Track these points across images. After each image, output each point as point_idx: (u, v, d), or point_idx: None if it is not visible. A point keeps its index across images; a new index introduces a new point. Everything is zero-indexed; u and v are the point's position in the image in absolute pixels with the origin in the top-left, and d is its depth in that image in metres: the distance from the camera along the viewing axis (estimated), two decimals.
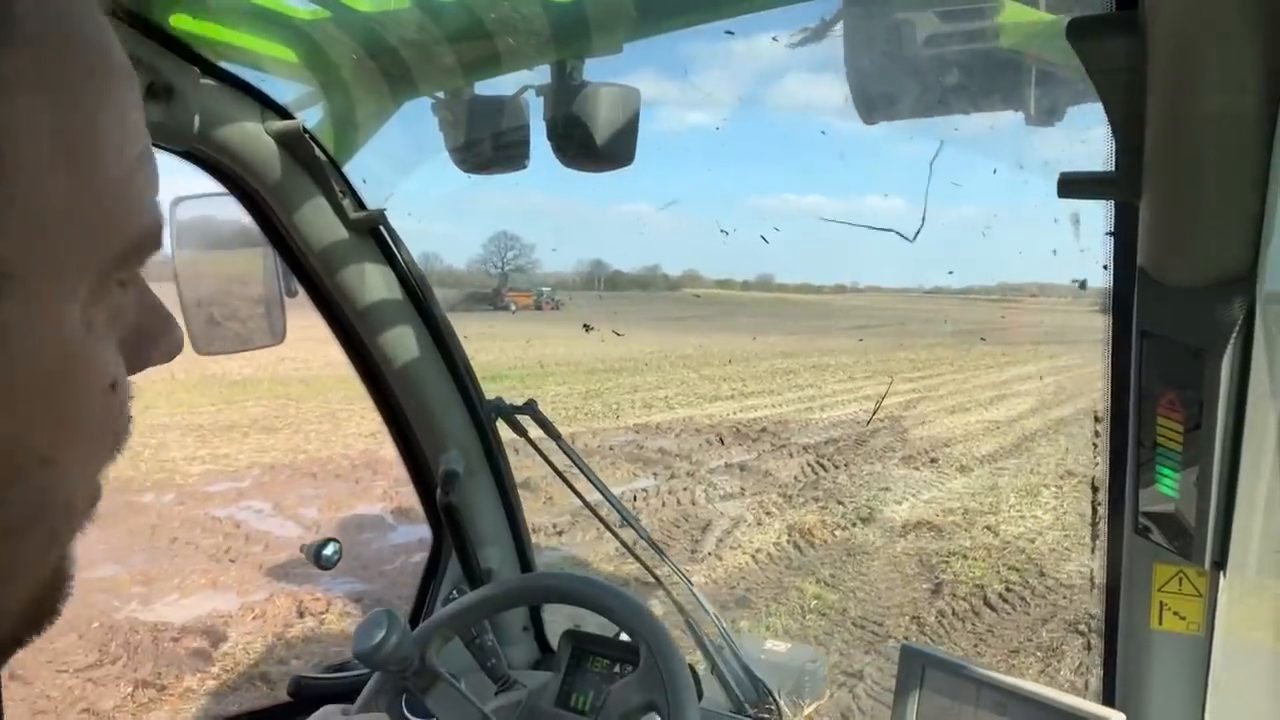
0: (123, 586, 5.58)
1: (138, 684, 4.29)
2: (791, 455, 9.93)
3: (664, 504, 7.78)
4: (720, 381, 16.95)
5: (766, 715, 1.54)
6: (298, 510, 7.37)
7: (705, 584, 5.80)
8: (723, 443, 10.60)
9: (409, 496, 1.72)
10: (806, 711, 1.60)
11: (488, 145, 1.36)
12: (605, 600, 1.15)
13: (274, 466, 8.96)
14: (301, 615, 5.11)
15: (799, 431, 11.50)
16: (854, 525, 7.29)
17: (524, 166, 1.41)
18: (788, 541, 6.85)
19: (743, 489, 8.38)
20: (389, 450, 1.68)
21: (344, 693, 1.58)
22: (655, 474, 8.90)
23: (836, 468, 9.30)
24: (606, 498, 1.68)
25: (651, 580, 1.74)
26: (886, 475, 9.02)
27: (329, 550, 1.60)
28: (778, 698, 1.55)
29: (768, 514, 7.56)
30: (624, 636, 1.22)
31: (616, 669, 1.32)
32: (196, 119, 1.14)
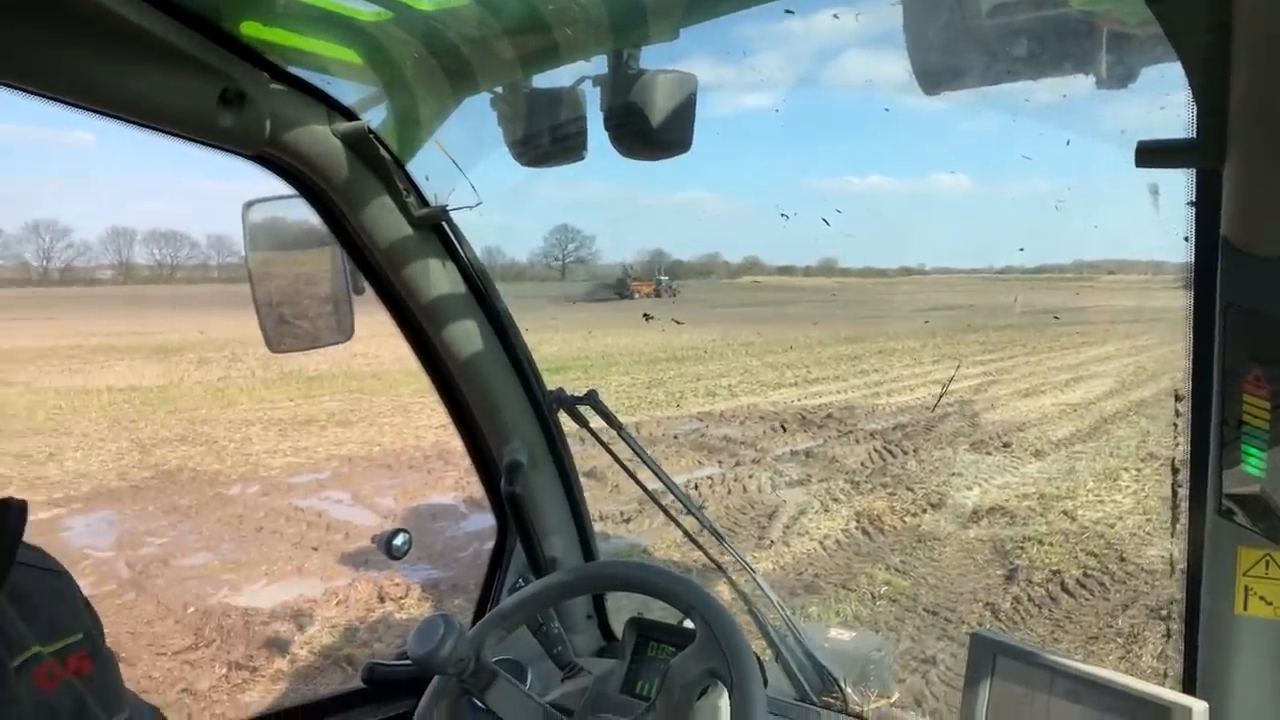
0: (214, 573, 5.85)
1: (231, 665, 4.50)
2: (858, 441, 9.78)
3: (729, 491, 7.76)
4: (784, 368, 16.79)
5: (832, 702, 1.53)
6: (375, 500, 7.60)
7: (773, 570, 5.77)
8: (787, 429, 10.50)
9: (479, 486, 1.76)
10: (875, 702, 1.58)
11: (546, 137, 1.37)
12: (663, 585, 1.15)
13: (351, 458, 9.26)
14: (382, 600, 5.27)
15: (865, 417, 11.31)
16: (924, 511, 7.15)
17: (582, 157, 1.42)
18: (856, 528, 6.76)
19: (809, 475, 8.29)
20: (458, 441, 1.72)
21: (412, 680, 1.63)
22: (720, 461, 8.88)
23: (905, 453, 9.12)
24: (667, 486, 1.69)
25: (714, 567, 1.75)
26: (957, 460, 8.80)
27: (399, 540, 1.65)
28: (843, 686, 1.54)
29: (835, 500, 7.48)
30: (688, 623, 1.23)
31: None
32: (267, 124, 1.18)
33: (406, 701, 1.64)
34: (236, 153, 1.22)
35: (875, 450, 9.29)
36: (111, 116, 1.05)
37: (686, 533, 1.74)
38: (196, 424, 11.48)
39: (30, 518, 0.66)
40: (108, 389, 14.75)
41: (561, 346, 18.59)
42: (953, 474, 8.27)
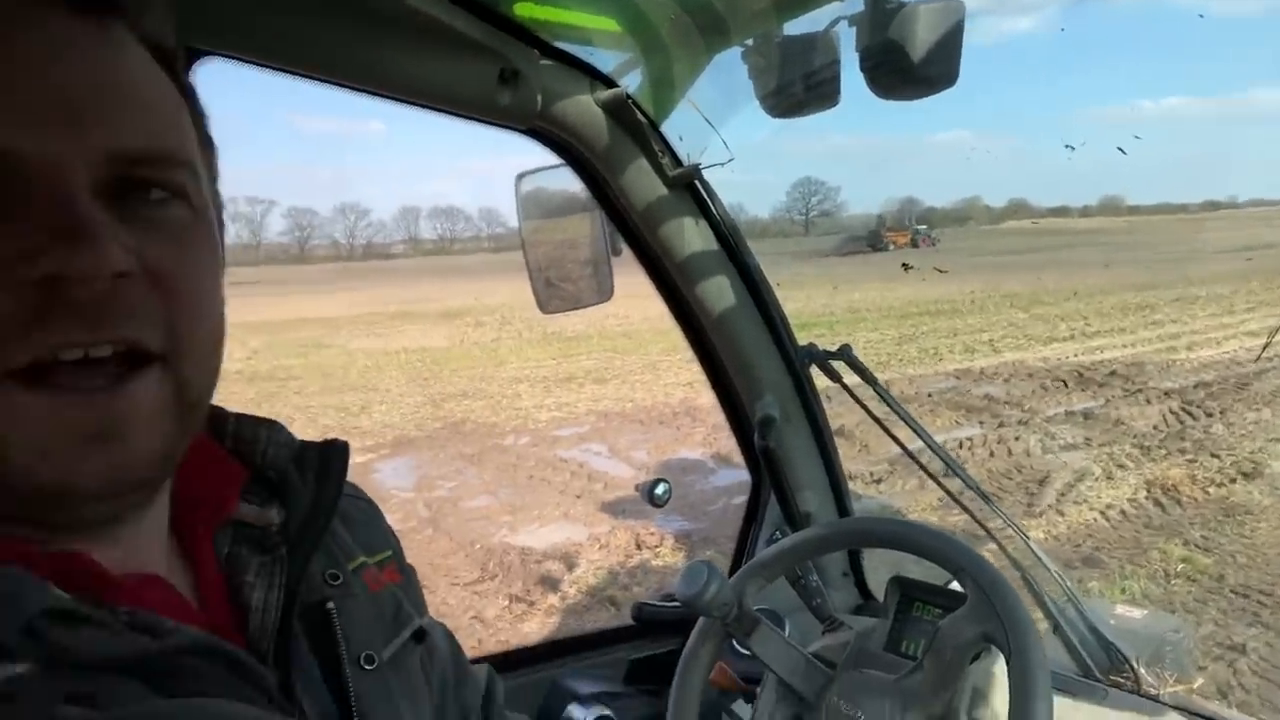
0: (494, 515, 6.54)
1: (512, 598, 5.02)
2: (1149, 402, 8.68)
3: (991, 454, 7.25)
4: (1057, 321, 15.24)
5: (1122, 682, 1.39)
6: (629, 453, 8.03)
7: (1044, 540, 5.33)
8: (1063, 388, 9.55)
9: (727, 442, 1.80)
10: (1172, 686, 1.41)
11: (799, 86, 1.34)
12: (931, 544, 1.10)
13: (607, 414, 9.85)
14: (639, 548, 5.60)
15: (1158, 374, 9.99)
16: (1233, 481, 6.21)
17: (836, 103, 1.37)
18: (1146, 498, 6.03)
19: (1088, 439, 7.51)
20: (705, 398, 1.77)
21: (678, 621, 1.72)
22: (981, 422, 8.30)
23: (1209, 415, 7.96)
24: (929, 445, 1.61)
25: (981, 533, 1.65)
26: (1278, 423, 7.52)
27: (660, 490, 1.73)
28: (1135, 666, 1.39)
29: (1120, 467, 6.72)
30: (955, 586, 1.17)
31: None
32: (539, 98, 1.26)
33: (672, 640, 1.73)
34: (511, 128, 1.32)
35: (1170, 411, 8.20)
36: (406, 102, 1.18)
37: (950, 494, 1.65)
38: (475, 381, 12.78)
39: (350, 460, 0.78)
40: (403, 350, 16.87)
41: (805, 303, 18.28)
42: (1272, 439, 7.08)
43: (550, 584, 5.18)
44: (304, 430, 0.72)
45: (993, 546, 1.64)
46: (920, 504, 5.96)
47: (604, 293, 1.59)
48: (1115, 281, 20.94)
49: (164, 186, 0.53)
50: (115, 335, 0.48)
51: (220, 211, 0.63)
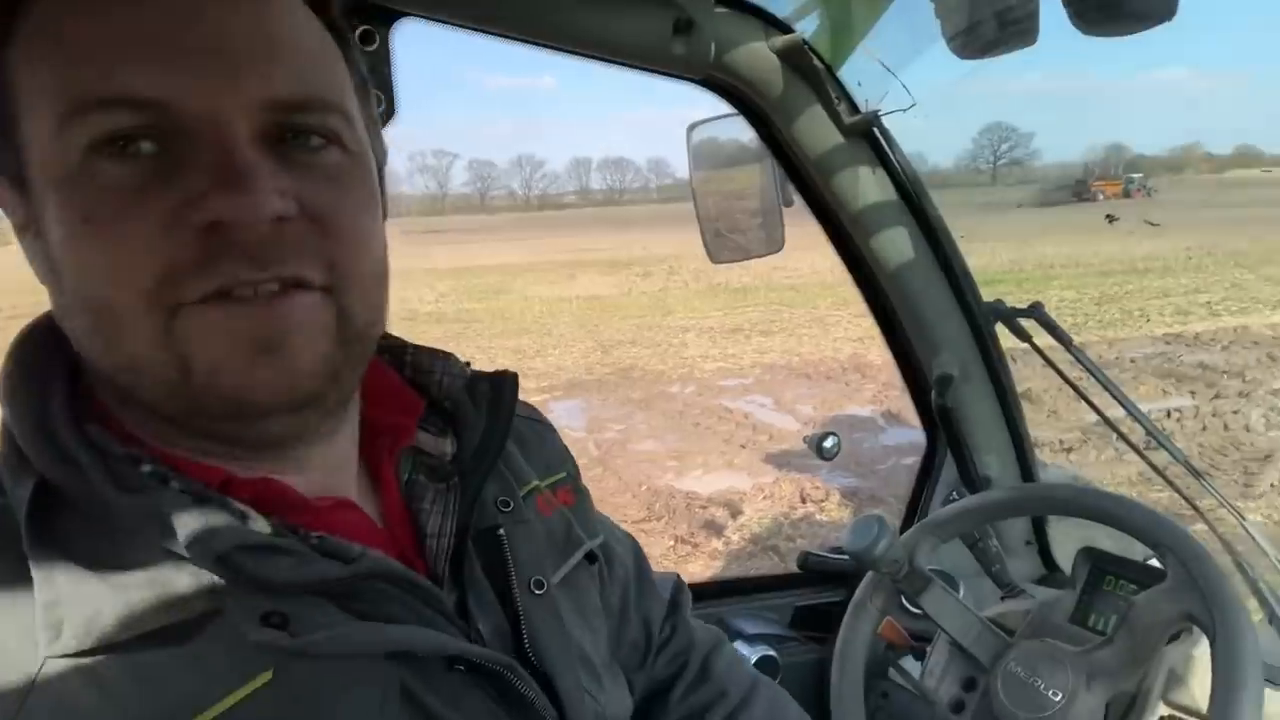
0: (660, 459, 6.70)
1: (677, 539, 5.16)
2: None
3: (1204, 427, 6.53)
4: None
5: None
6: (795, 406, 7.94)
7: (1264, 524, 4.78)
8: None
9: (897, 401, 1.74)
10: None
11: (992, 24, 1.24)
12: (1130, 516, 1.02)
13: (772, 366, 9.75)
14: (803, 501, 5.56)
15: None
16: None
17: (1033, 41, 1.26)
18: None
19: None
20: (875, 355, 1.71)
21: (844, 572, 1.71)
22: (1193, 392, 7.48)
23: None
24: (1131, 413, 1.47)
25: (1189, 512, 1.50)
26: None
27: (829, 443, 1.70)
28: None
29: None
30: (1154, 563, 1.08)
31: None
32: (712, 47, 1.25)
33: (837, 591, 1.73)
34: (685, 78, 1.32)
35: None
36: (583, 55, 1.20)
37: (1154, 468, 1.51)
38: (643, 329, 13.03)
39: (525, 400, 0.81)
40: (575, 298, 17.44)
41: (990, 258, 17.07)
42: None
43: (715, 529, 5.27)
44: (485, 369, 0.76)
45: (1201, 527, 1.49)
46: (1117, 476, 5.50)
47: (774, 243, 1.57)
48: None
49: (319, 133, 0.55)
50: (280, 273, 0.51)
51: (383, 156, 0.65)
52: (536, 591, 0.70)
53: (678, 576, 0.99)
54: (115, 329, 0.51)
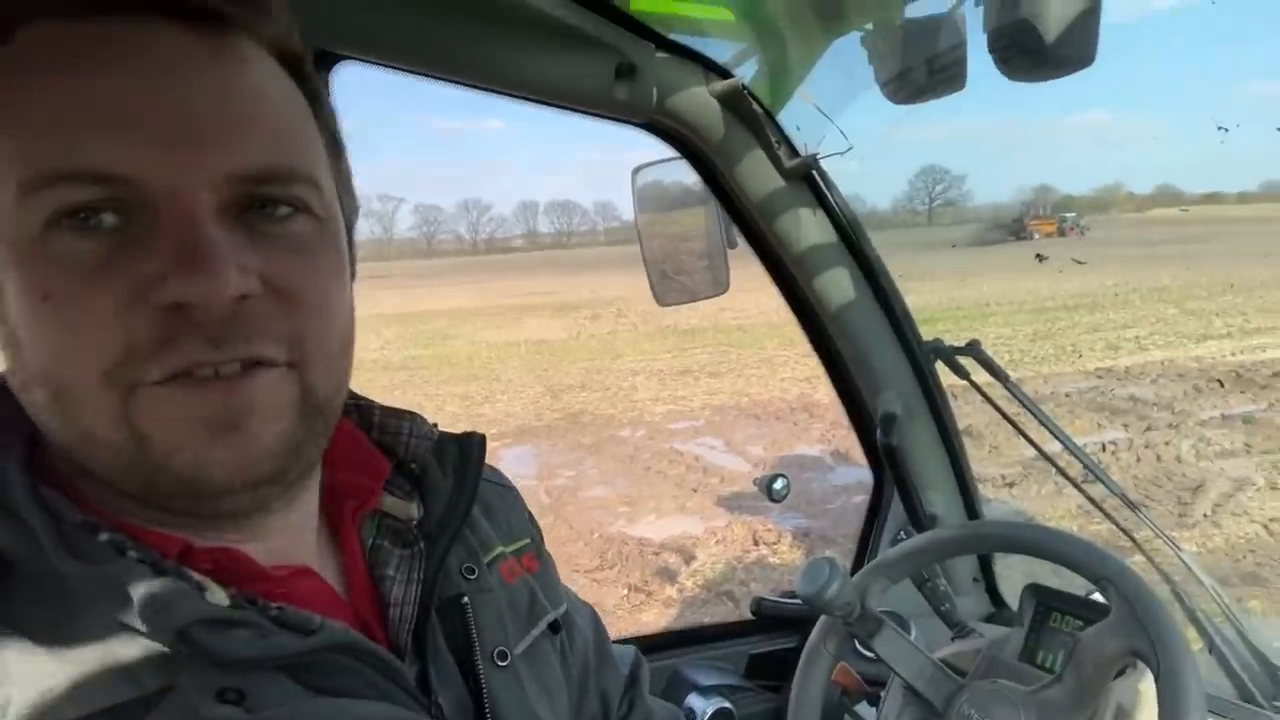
0: (611, 505, 6.63)
1: (630, 588, 5.08)
2: None
3: (1138, 459, 6.74)
4: (1211, 317, 14.00)
5: None
6: (745, 448, 7.97)
7: (1199, 554, 4.91)
8: (1220, 389, 8.78)
9: (845, 439, 1.75)
10: None
11: (922, 71, 1.28)
12: (1071, 551, 1.03)
13: (722, 408, 9.80)
14: (756, 543, 5.54)
15: None
16: None
17: (962, 87, 1.31)
18: None
19: (1248, 445, 6.86)
20: (822, 394, 1.73)
21: (798, 618, 1.69)
22: (1125, 425, 7.73)
23: None
24: (1067, 447, 1.51)
25: (1127, 544, 1.53)
26: None
27: (778, 485, 1.70)
28: None
29: None
30: (1096, 597, 1.09)
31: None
32: (654, 91, 1.26)
33: (792, 636, 1.71)
34: (628, 121, 1.33)
35: None
36: (527, 99, 1.21)
37: (1091, 500, 1.55)
38: (592, 373, 13.00)
39: None
40: (524, 341, 17.36)
41: (928, 296, 17.56)
42: None
43: (668, 575, 5.21)
44: (431, 418, 0.74)
45: (1140, 559, 1.52)
46: (1057, 510, 5.63)
47: (720, 285, 1.58)
48: (1278, 274, 19.04)
49: (287, 202, 0.53)
50: (241, 354, 0.50)
51: (353, 214, 0.64)
52: (500, 663, 0.68)
53: (636, 651, 0.96)
54: (73, 405, 0.50)
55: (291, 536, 0.62)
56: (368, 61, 1.05)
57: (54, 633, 0.48)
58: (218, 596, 0.52)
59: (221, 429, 0.50)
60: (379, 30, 1.03)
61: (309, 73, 0.59)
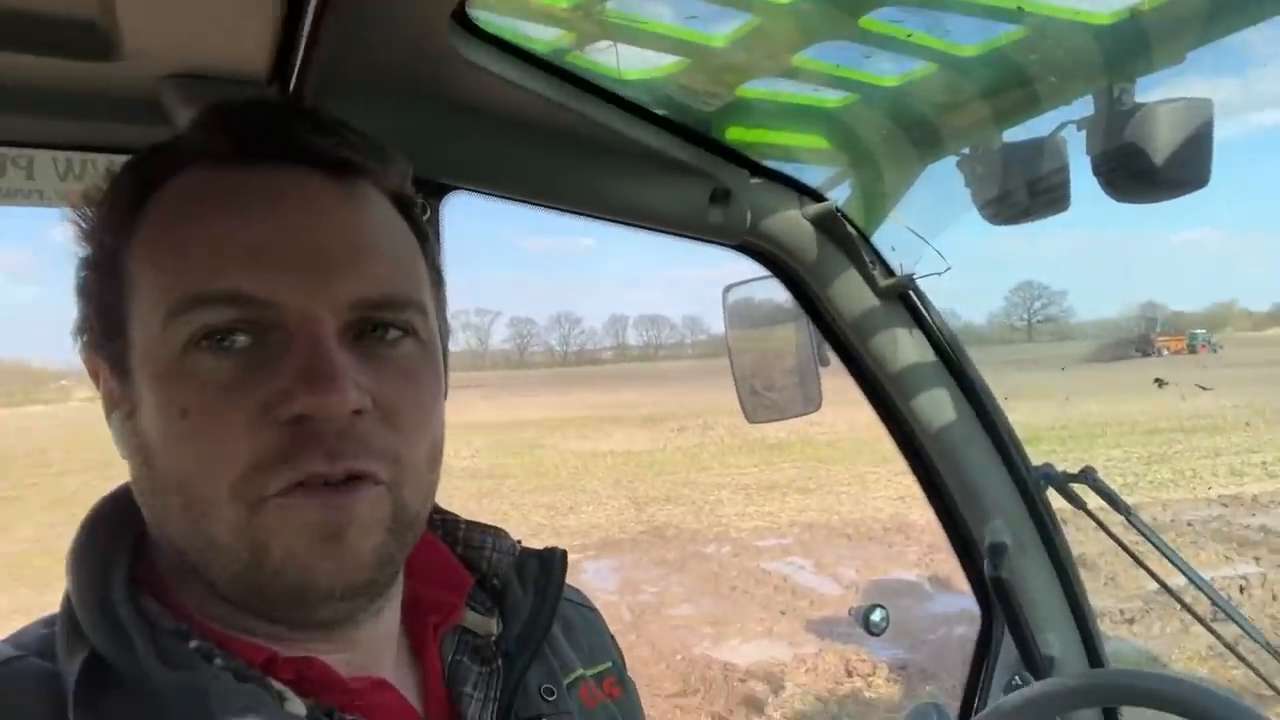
0: (696, 625, 6.41)
1: (714, 717, 4.83)
2: None
3: (1274, 596, 6.12)
4: None
5: None
6: (836, 569, 7.64)
7: None
8: None
9: (945, 564, 1.65)
10: None
11: (1023, 192, 1.28)
12: (1205, 704, 0.93)
13: (811, 525, 9.49)
14: (849, 675, 5.23)
15: None
16: None
17: (1065, 208, 1.29)
18: None
19: None
20: (919, 515, 1.65)
21: None
22: (1257, 558, 7.08)
23: None
24: (1194, 582, 1.38)
25: (1269, 692, 1.37)
26: None
27: (877, 616, 1.61)
28: None
29: None
30: None
31: None
32: (748, 215, 1.29)
33: None
34: (720, 243, 1.36)
35: None
36: (623, 224, 1.25)
37: (1224, 642, 1.40)
38: (677, 486, 12.87)
39: None
40: (609, 452, 17.41)
41: (1029, 414, 16.84)
42: None
43: (754, 705, 4.94)
44: (516, 527, 0.74)
45: None
46: (1185, 651, 5.12)
47: (812, 402, 1.55)
48: None
49: (398, 326, 0.59)
50: (350, 467, 0.54)
51: (446, 338, 0.70)
52: None
53: None
54: (202, 515, 0.54)
55: (373, 649, 0.63)
56: (478, 192, 1.12)
57: None
58: (296, 707, 0.54)
59: (327, 538, 0.54)
60: (489, 163, 1.10)
61: (417, 214, 0.66)
